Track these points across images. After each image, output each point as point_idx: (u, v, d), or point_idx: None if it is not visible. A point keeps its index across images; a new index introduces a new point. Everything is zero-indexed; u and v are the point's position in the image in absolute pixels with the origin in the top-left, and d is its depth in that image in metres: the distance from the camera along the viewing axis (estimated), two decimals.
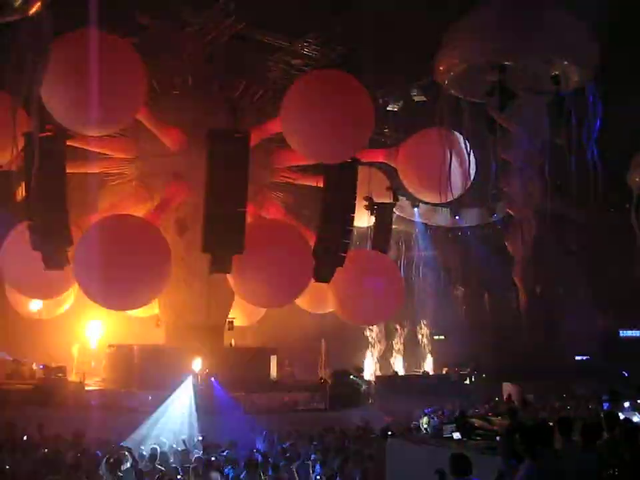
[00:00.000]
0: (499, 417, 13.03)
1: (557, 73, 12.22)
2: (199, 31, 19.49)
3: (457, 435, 10.60)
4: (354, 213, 19.69)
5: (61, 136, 17.29)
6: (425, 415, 18.52)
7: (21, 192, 17.75)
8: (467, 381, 29.71)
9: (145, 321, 23.07)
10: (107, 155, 21.63)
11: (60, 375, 20.04)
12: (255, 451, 13.69)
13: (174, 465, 12.56)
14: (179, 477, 11.52)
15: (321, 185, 20.18)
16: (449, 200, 22.08)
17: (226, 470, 11.82)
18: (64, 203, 17.61)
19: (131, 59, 16.47)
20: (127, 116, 17.50)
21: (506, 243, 31.35)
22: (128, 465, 11.50)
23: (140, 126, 19.67)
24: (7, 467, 11.52)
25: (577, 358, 32.55)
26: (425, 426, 16.55)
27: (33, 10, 10.95)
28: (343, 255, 19.38)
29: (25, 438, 14.54)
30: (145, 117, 19.10)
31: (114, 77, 15.79)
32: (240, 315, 22.71)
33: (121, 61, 16.20)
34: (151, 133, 20.05)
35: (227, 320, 22.32)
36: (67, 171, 17.96)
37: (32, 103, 11.77)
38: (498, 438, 9.71)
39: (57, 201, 17.38)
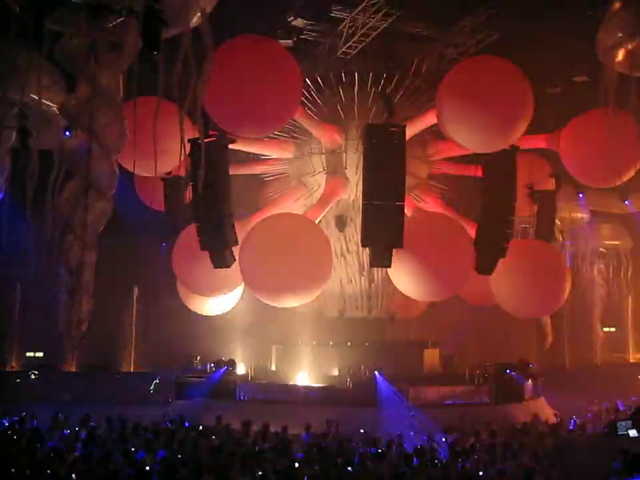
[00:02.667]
0: None
1: None
2: (350, 27, 19.65)
3: (632, 432, 10.09)
4: (515, 202, 19.10)
5: (224, 140, 18.04)
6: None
7: (188, 195, 18.73)
8: None
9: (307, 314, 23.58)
10: (267, 155, 22.38)
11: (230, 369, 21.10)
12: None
13: None
14: None
15: (479, 175, 19.77)
16: (616, 184, 21.11)
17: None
18: (229, 204, 18.36)
19: (286, 61, 16.88)
20: (285, 117, 17.98)
21: None
22: None
23: (297, 125, 20.17)
24: None
25: None
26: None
27: (194, 22, 11.53)
28: (505, 246, 18.86)
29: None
30: (301, 117, 19.55)
31: (271, 80, 16.27)
32: (402, 308, 22.73)
33: (277, 64, 16.65)
34: (307, 132, 20.51)
35: (390, 313, 22.46)
36: (231, 172, 18.74)
37: (196, 110, 12.33)
38: None
39: (222, 203, 18.15)
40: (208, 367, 22.40)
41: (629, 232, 32.13)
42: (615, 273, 33.03)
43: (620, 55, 12.94)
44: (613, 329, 34.02)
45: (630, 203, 27.38)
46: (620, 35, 13.47)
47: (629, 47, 13.52)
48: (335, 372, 21.32)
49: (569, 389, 23.69)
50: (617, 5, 13.48)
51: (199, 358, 23.27)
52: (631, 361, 32.30)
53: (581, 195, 26.62)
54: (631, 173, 18.15)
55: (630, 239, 32.45)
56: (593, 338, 33.32)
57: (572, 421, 17.64)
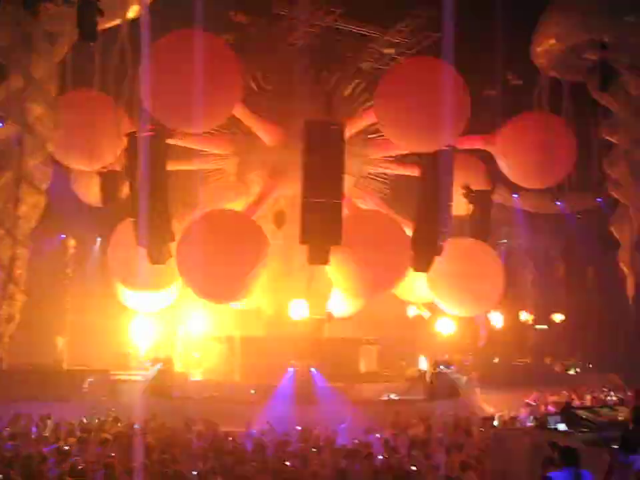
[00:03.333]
0: (607, 409, 12.59)
1: None
2: (292, 25, 19.67)
3: (562, 427, 10.34)
4: (451, 201, 19.40)
5: (161, 135, 17.81)
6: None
7: (125, 190, 18.44)
8: (572, 371, 28.94)
9: (246, 313, 23.52)
10: (206, 151, 22.18)
11: (166, 366, 20.79)
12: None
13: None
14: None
15: (417, 174, 20.01)
16: (549, 185, 21.63)
17: None
18: (166, 200, 18.15)
19: (226, 56, 16.76)
20: (224, 112, 17.85)
21: (611, 229, 30.23)
22: None
23: (236, 122, 20.05)
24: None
25: None
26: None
27: (132, 13, 11.35)
28: (441, 244, 19.15)
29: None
30: (241, 113, 19.44)
31: (211, 75, 16.14)
32: (339, 306, 22.82)
33: (217, 59, 16.51)
34: (247, 128, 20.41)
35: (326, 311, 22.52)
36: (168, 168, 18.52)
37: (133, 103, 12.16)
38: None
39: (159, 198, 17.92)
40: (144, 364, 22.09)
41: (561, 232, 32.97)
42: (547, 273, 33.81)
43: (553, 59, 13.28)
44: (545, 327, 34.85)
45: (562, 204, 28.07)
46: (553, 40, 13.81)
47: (562, 51, 13.89)
48: (273, 369, 21.25)
49: (503, 385, 24.13)
50: (551, 11, 13.83)
51: (134, 355, 22.93)
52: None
53: (515, 196, 27.18)
54: (564, 175, 18.62)
55: (562, 239, 33.31)
56: (526, 335, 34.08)
57: (506, 415, 18.00)
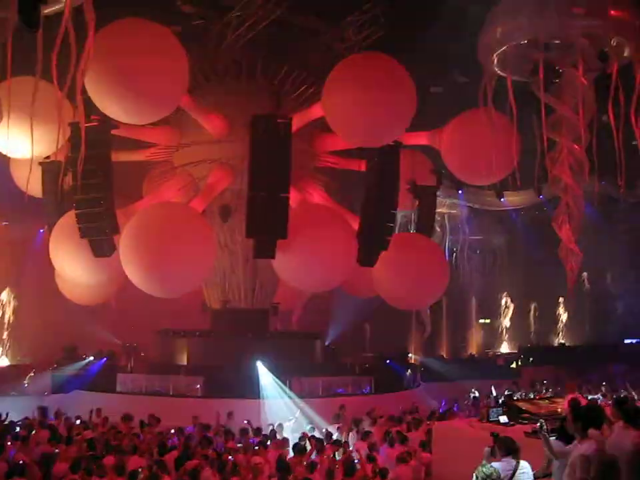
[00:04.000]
0: (546, 400, 12.89)
1: (605, 49, 12.01)
2: (239, 17, 19.51)
3: (503, 419, 10.54)
4: (397, 196, 19.57)
5: (106, 125, 17.54)
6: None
7: (68, 181, 18.06)
8: (514, 365, 29.55)
9: (192, 306, 23.33)
10: (152, 143, 21.89)
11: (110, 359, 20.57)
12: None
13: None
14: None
15: (363, 169, 20.11)
16: (493, 182, 21.99)
17: None
18: (110, 192, 17.88)
19: (173, 46, 16.55)
20: (170, 104, 17.60)
21: (553, 225, 30.90)
22: None
23: (183, 114, 19.84)
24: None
25: (627, 341, 32.08)
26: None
27: (76, 0, 11.09)
28: (387, 238, 19.30)
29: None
30: (187, 105, 19.23)
31: (157, 65, 15.93)
32: (285, 299, 22.83)
33: (163, 49, 16.30)
34: (194, 121, 20.20)
35: (272, 304, 22.51)
36: (113, 159, 18.22)
37: (77, 93, 11.90)
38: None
39: (103, 190, 17.65)
40: (87, 358, 21.77)
41: (503, 228, 33.60)
42: (490, 267, 34.41)
43: (497, 58, 13.50)
44: (487, 321, 35.50)
45: (505, 200, 28.57)
46: (498, 39, 14.01)
47: (506, 51, 14.10)
48: (218, 363, 21.14)
49: (447, 378, 24.52)
50: (497, 11, 14.02)
51: (77, 349, 22.57)
52: (503, 351, 33.77)
53: (459, 192, 27.57)
54: (507, 172, 18.90)
55: (505, 234, 33.95)
56: (470, 329, 34.68)
57: (450, 407, 18.28)
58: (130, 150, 21.54)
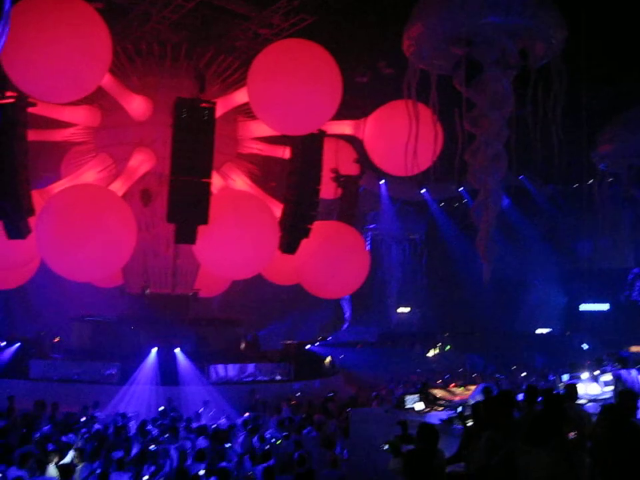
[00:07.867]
0: (461, 388, 13.23)
1: (524, 47, 12.31)
2: None
3: (419, 406, 10.77)
4: (320, 185, 19.64)
5: (22, 103, 16.93)
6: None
7: None
8: (431, 353, 30.15)
9: (110, 291, 22.92)
10: (71, 123, 21.29)
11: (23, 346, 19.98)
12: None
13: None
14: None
15: (287, 156, 20.08)
16: (415, 173, 22.29)
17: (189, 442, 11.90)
18: (25, 172, 17.28)
19: (94, 23, 16.10)
20: (91, 83, 17.13)
21: (471, 216, 31.60)
22: None
23: (104, 94, 19.35)
24: None
25: (538, 331, 33.18)
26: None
27: None
28: (309, 226, 19.37)
29: None
30: (109, 85, 18.77)
31: (77, 43, 15.49)
32: (206, 285, 22.64)
33: (84, 26, 15.84)
34: (115, 101, 19.73)
35: (192, 290, 22.29)
36: (29, 139, 17.60)
37: None
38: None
39: (18, 169, 17.05)
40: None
41: (424, 218, 34.17)
42: (410, 257, 34.99)
43: (421, 51, 13.64)
44: (407, 309, 36.10)
45: (426, 192, 29.09)
46: (422, 32, 14.16)
47: (430, 45, 14.27)
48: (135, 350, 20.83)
49: (366, 366, 24.86)
50: (421, 5, 14.17)
51: None
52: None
53: (382, 182, 27.89)
54: (428, 164, 19.21)
55: (425, 225, 34.53)
56: (390, 317, 35.21)
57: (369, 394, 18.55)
58: (48, 130, 20.91)
